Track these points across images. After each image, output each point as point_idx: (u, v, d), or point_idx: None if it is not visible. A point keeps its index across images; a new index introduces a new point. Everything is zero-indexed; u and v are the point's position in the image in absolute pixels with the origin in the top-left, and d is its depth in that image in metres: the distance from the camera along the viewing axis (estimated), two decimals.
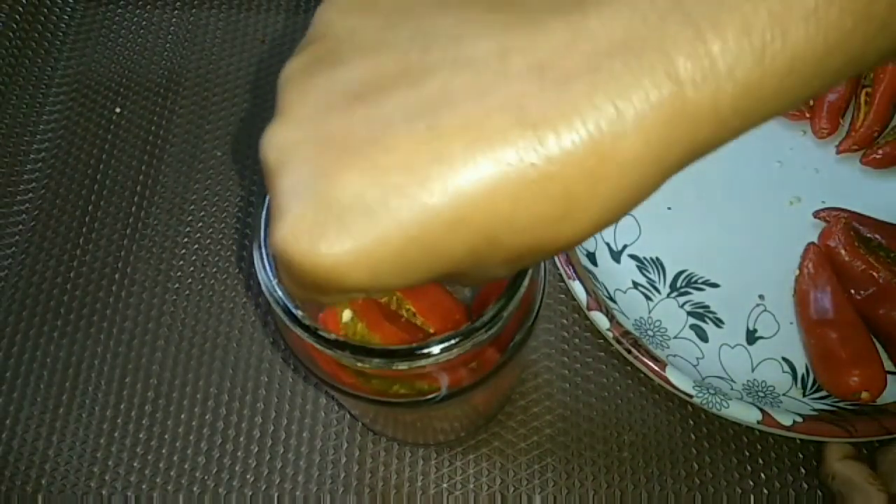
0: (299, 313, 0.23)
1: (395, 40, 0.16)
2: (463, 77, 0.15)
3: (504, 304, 0.23)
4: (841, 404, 0.38)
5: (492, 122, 0.14)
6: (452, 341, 0.22)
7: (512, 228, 0.15)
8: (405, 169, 0.15)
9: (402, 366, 0.22)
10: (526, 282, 0.23)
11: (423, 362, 0.22)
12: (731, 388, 0.38)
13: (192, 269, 0.44)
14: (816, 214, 0.42)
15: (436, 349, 0.22)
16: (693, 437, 0.39)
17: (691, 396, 0.36)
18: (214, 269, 0.44)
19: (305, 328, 0.23)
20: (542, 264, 0.27)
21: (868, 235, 0.41)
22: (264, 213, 0.24)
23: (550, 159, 0.14)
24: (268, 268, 0.24)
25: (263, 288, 0.23)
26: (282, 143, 0.16)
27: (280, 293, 0.23)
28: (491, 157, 0.14)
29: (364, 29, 0.17)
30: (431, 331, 0.29)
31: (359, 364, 0.23)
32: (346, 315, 0.29)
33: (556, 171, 0.14)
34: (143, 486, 0.39)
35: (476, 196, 0.15)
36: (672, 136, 0.14)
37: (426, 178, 0.15)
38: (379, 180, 0.15)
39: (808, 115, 0.45)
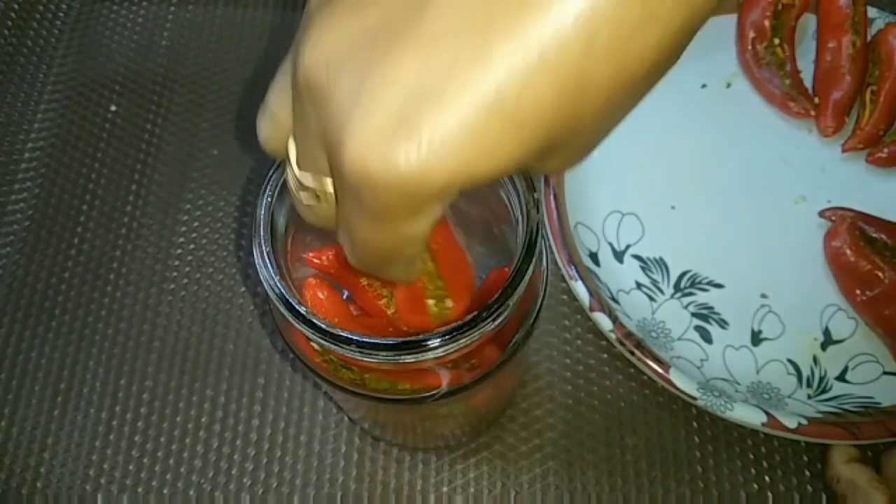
0: (303, 309, 0.22)
1: None
2: None
3: (510, 293, 0.23)
4: (847, 406, 0.37)
5: None
6: (458, 331, 0.22)
7: (594, 54, 0.14)
8: (462, 31, 0.14)
9: (409, 358, 0.22)
10: (530, 271, 0.23)
11: (430, 354, 0.22)
12: (736, 391, 0.38)
13: (187, 268, 0.44)
14: (822, 214, 0.42)
15: (441, 340, 0.22)
16: (697, 439, 0.38)
17: (695, 399, 0.36)
18: (210, 269, 0.43)
19: (308, 323, 0.22)
20: (546, 257, 0.27)
21: (874, 235, 0.40)
22: (263, 212, 0.24)
23: None
24: (269, 265, 0.23)
25: (265, 284, 0.23)
26: (322, 55, 0.15)
27: (282, 289, 0.23)
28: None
29: None
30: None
31: (365, 359, 0.22)
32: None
33: None
34: (139, 489, 0.38)
35: (546, 29, 0.13)
36: None
37: (487, 34, 0.14)
38: (436, 58, 0.14)
39: (813, 113, 0.44)
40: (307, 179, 0.18)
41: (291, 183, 0.19)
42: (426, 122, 0.14)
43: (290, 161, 0.19)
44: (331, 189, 0.18)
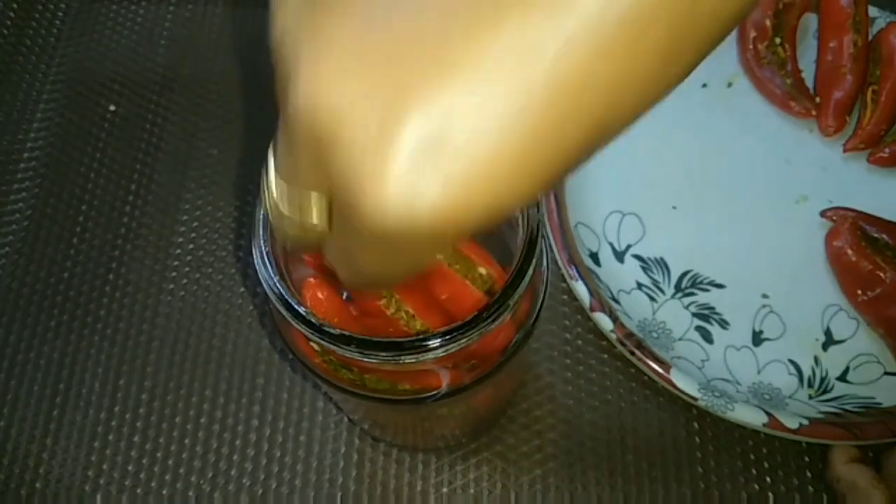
0: (302, 309, 0.22)
1: None
2: None
3: (510, 293, 0.22)
4: (848, 407, 0.37)
5: None
6: (458, 332, 0.22)
7: (620, 103, 0.14)
8: (481, 57, 0.13)
9: (409, 359, 0.22)
10: (531, 271, 0.23)
11: (430, 354, 0.22)
12: (737, 391, 0.37)
13: (187, 269, 0.43)
14: (823, 214, 0.42)
15: (441, 340, 0.22)
16: (698, 440, 0.38)
17: (696, 399, 0.36)
18: (210, 270, 0.43)
19: (307, 323, 0.22)
20: (546, 257, 0.27)
21: (875, 235, 0.40)
22: (261, 211, 0.24)
23: None
24: (268, 265, 0.23)
25: (264, 285, 0.23)
26: (329, 89, 0.14)
27: (282, 290, 0.22)
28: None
29: None
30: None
31: (365, 359, 0.22)
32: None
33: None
34: (138, 490, 0.38)
35: (580, 43, 0.13)
36: None
37: (507, 58, 0.13)
38: (459, 84, 0.13)
39: (814, 112, 0.44)
40: (293, 212, 0.17)
41: (271, 210, 0.18)
42: (451, 162, 0.13)
43: (270, 192, 0.18)
44: (318, 224, 0.17)
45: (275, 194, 0.17)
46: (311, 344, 0.25)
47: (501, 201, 0.14)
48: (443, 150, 0.13)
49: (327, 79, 0.14)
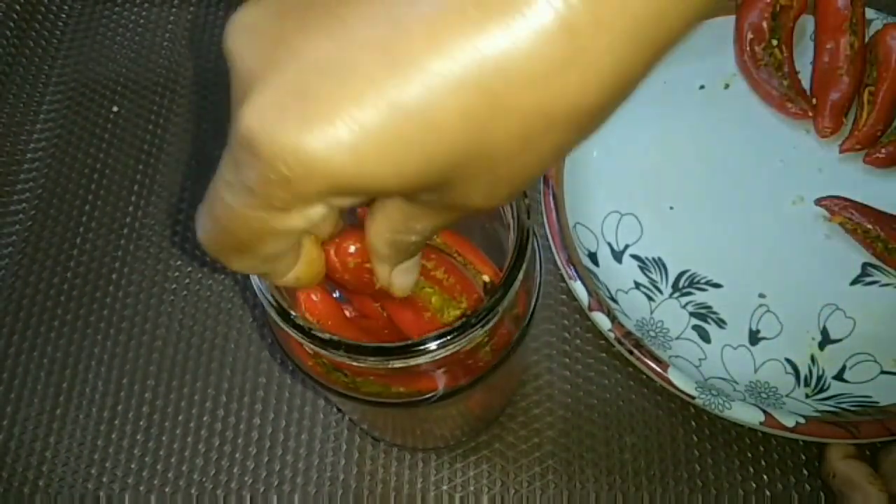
0: (292, 313, 0.22)
1: None
2: None
3: (499, 298, 0.23)
4: (844, 406, 0.37)
5: None
6: (447, 337, 0.22)
7: (508, 82, 0.13)
8: (381, 23, 0.13)
9: (398, 363, 0.22)
10: (520, 276, 0.23)
11: (418, 359, 0.22)
12: (734, 390, 0.38)
13: (189, 269, 0.44)
14: (818, 202, 0.42)
15: (431, 345, 0.22)
16: (695, 438, 0.38)
17: (693, 398, 0.36)
18: (212, 270, 0.44)
19: (299, 328, 0.22)
20: (538, 260, 0.27)
21: (868, 227, 0.41)
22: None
23: None
24: None
25: (255, 288, 0.23)
26: (241, 24, 0.15)
27: (272, 293, 0.23)
28: (481, 17, 0.13)
29: None
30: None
31: (354, 363, 0.22)
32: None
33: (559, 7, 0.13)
34: (141, 488, 0.38)
35: (466, 44, 0.13)
36: None
37: (404, 30, 0.13)
38: (350, 36, 0.13)
39: (811, 114, 0.45)
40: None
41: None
42: (325, 106, 0.13)
43: None
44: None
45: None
46: (304, 347, 0.25)
47: (368, 172, 0.14)
48: (323, 93, 0.13)
49: (246, 9, 0.15)
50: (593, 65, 0.13)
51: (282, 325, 0.22)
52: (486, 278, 0.27)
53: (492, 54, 0.13)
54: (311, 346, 0.22)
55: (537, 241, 0.26)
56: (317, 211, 0.16)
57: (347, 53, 0.13)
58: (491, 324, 0.22)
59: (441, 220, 0.18)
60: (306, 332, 0.22)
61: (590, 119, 0.15)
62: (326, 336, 0.22)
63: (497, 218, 0.26)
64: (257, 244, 0.18)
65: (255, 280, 0.23)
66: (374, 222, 0.20)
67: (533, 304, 0.27)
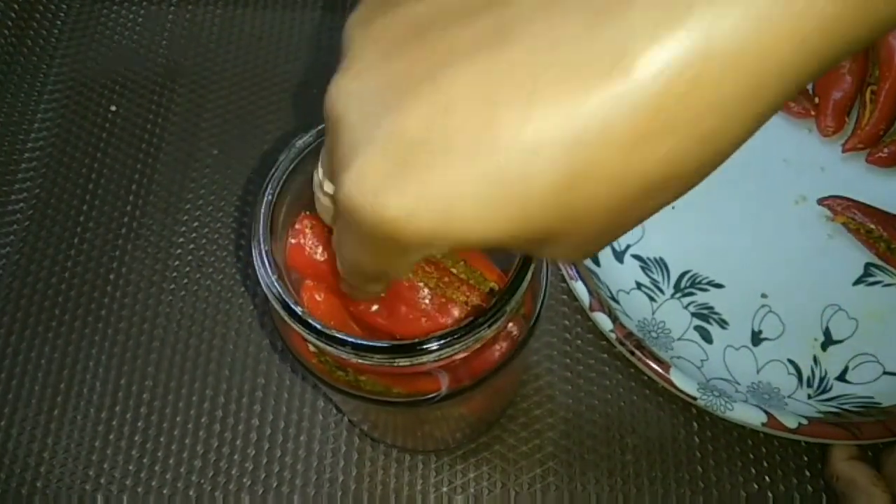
0: (299, 309, 0.22)
1: None
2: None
3: (506, 299, 0.22)
4: (847, 407, 0.37)
5: (579, 45, 0.13)
6: (453, 336, 0.22)
7: (608, 146, 0.13)
8: (478, 97, 0.13)
9: (404, 362, 0.22)
10: (528, 276, 0.23)
11: (424, 358, 0.22)
12: (736, 391, 0.38)
13: (187, 268, 0.44)
14: (821, 202, 0.42)
15: (436, 345, 0.22)
16: (697, 439, 0.38)
17: (695, 399, 0.36)
18: (210, 269, 0.43)
19: (304, 323, 0.22)
20: (544, 262, 0.27)
21: (871, 226, 0.40)
22: (262, 211, 0.24)
23: (641, 83, 0.13)
24: (267, 265, 0.23)
25: (262, 284, 0.23)
26: (345, 91, 0.15)
27: (279, 289, 0.23)
28: (577, 85, 0.13)
29: None
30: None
31: (360, 360, 0.22)
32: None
33: (649, 93, 0.13)
34: (139, 489, 0.38)
35: (567, 109, 0.13)
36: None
37: (500, 108, 0.13)
38: (448, 110, 0.14)
39: (813, 113, 0.44)
40: (327, 187, 0.19)
41: (316, 184, 0.20)
42: (422, 176, 0.14)
43: (319, 164, 0.19)
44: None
45: (321, 175, 0.19)
46: (308, 345, 0.25)
47: (462, 234, 0.15)
48: (421, 163, 0.14)
49: (354, 70, 0.16)
50: (684, 130, 0.13)
51: (288, 320, 0.22)
52: (493, 285, 0.27)
53: (593, 120, 0.13)
54: (317, 342, 0.22)
55: None
56: (420, 254, 0.17)
57: (446, 129, 0.14)
58: (498, 324, 0.22)
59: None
60: (312, 328, 0.22)
61: (686, 182, 0.15)
62: (333, 333, 0.22)
63: None
64: (380, 279, 0.20)
65: (261, 275, 0.23)
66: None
67: (539, 305, 0.27)
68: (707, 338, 0.40)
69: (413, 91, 0.14)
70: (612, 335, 0.37)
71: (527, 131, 0.13)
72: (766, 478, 0.37)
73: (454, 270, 0.27)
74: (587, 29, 0.13)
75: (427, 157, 0.14)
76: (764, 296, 0.41)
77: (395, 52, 0.15)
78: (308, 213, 0.26)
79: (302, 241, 0.25)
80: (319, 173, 0.19)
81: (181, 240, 0.44)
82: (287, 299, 0.23)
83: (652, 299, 0.41)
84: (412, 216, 0.14)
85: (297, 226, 0.26)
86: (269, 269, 0.23)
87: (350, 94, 0.15)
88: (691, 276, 0.41)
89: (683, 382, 0.36)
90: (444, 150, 0.14)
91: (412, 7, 0.15)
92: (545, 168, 0.13)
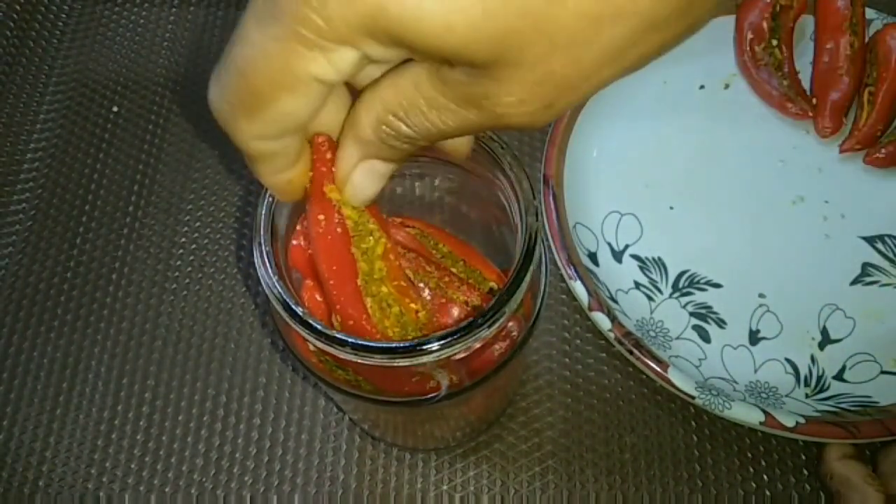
0: (300, 310, 0.22)
1: None
2: None
3: (505, 300, 0.23)
4: (844, 405, 0.37)
5: None
6: (453, 337, 0.22)
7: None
8: None
9: (404, 362, 0.22)
10: (527, 278, 0.23)
11: (424, 358, 0.22)
12: (734, 390, 0.38)
13: (189, 269, 0.44)
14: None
15: (437, 345, 0.22)
16: (695, 438, 0.38)
17: (693, 398, 0.36)
18: (212, 269, 0.44)
19: (305, 324, 0.22)
20: (544, 261, 0.27)
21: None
22: (263, 212, 0.24)
23: None
24: (268, 265, 0.23)
25: (263, 284, 0.23)
26: None
27: (280, 289, 0.23)
28: None
29: None
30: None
31: (360, 360, 0.22)
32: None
33: None
34: (141, 488, 0.38)
35: None
36: None
37: None
38: None
39: (811, 114, 0.45)
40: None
41: None
42: None
43: None
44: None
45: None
46: (308, 344, 0.25)
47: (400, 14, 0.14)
48: None
49: None
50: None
51: (289, 321, 0.22)
52: (492, 285, 0.27)
53: None
54: (317, 342, 0.22)
55: (543, 243, 0.26)
56: (345, 59, 0.15)
57: None
58: (497, 324, 0.22)
59: (452, 120, 0.17)
60: (313, 328, 0.22)
61: (659, 25, 0.14)
62: (333, 333, 0.22)
63: (504, 221, 0.26)
64: (274, 97, 0.17)
65: (262, 275, 0.23)
66: (374, 91, 0.18)
67: (539, 304, 0.27)
68: (705, 337, 0.40)
69: None
70: (611, 334, 0.38)
71: None
72: (764, 476, 0.37)
73: (454, 270, 0.27)
74: None
75: None
76: (762, 295, 0.41)
77: None
78: None
79: (303, 241, 0.26)
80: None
81: (183, 240, 0.45)
82: (288, 300, 0.23)
83: (650, 299, 0.41)
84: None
85: (298, 226, 0.26)
86: (270, 270, 0.23)
87: None
88: (689, 276, 0.41)
89: (682, 381, 0.36)
90: None
91: None
92: None
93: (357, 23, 0.14)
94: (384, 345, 0.22)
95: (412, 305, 0.25)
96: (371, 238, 0.24)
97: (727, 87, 0.47)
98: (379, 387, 0.26)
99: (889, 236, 0.42)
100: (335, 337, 0.22)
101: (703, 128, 0.45)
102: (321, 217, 0.23)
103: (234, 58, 0.17)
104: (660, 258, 0.42)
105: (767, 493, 0.37)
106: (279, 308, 0.23)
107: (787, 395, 0.38)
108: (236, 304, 0.43)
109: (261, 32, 0.16)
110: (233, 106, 0.17)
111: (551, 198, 0.41)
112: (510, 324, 0.26)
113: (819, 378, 0.39)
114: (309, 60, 0.15)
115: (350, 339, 0.22)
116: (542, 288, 0.27)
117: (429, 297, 0.27)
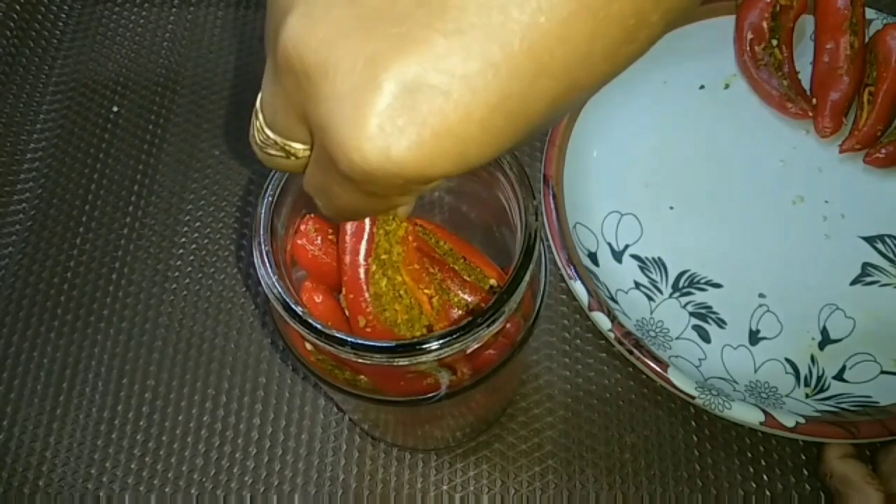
0: (299, 309, 0.22)
1: None
2: None
3: (505, 299, 0.23)
4: (844, 405, 0.37)
5: None
6: (453, 336, 0.22)
7: (590, 63, 0.14)
8: (467, 33, 0.14)
9: (403, 361, 0.22)
10: (527, 277, 0.23)
11: (423, 357, 0.22)
12: (734, 390, 0.38)
13: (189, 268, 0.44)
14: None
15: (436, 344, 0.22)
16: (695, 438, 0.38)
17: (693, 398, 0.36)
18: (212, 269, 0.44)
19: (304, 323, 0.22)
20: (544, 261, 0.27)
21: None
22: (263, 212, 0.24)
23: None
24: (267, 265, 0.23)
25: (263, 285, 0.23)
26: (319, 37, 0.15)
27: (280, 289, 0.23)
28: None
29: None
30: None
31: (360, 360, 0.22)
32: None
33: None
34: (141, 488, 0.38)
35: (552, 37, 0.14)
36: None
37: (492, 37, 0.14)
38: (443, 52, 0.14)
39: (811, 114, 0.45)
40: (277, 139, 0.19)
41: (257, 138, 0.19)
42: (430, 121, 0.14)
43: (257, 118, 0.19)
44: (300, 152, 0.18)
45: (261, 123, 0.19)
46: (307, 344, 0.25)
47: (469, 153, 0.15)
48: (419, 101, 0.14)
49: (316, 23, 0.15)
50: (656, 19, 0.14)
51: (288, 320, 0.22)
52: (492, 282, 0.27)
53: (571, 53, 0.14)
54: (317, 342, 0.22)
55: (543, 243, 0.26)
56: (413, 196, 0.17)
57: (438, 66, 0.14)
58: (497, 323, 0.22)
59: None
60: (312, 328, 0.22)
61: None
62: (333, 332, 0.22)
63: (504, 220, 0.26)
64: (380, 213, 0.20)
65: (261, 274, 0.23)
66: None
67: (538, 304, 0.27)
68: (705, 337, 0.40)
69: (400, 40, 0.14)
70: (611, 334, 0.38)
71: (528, 52, 0.14)
72: (764, 476, 0.37)
73: (456, 268, 0.27)
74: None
75: (431, 101, 0.14)
76: (762, 295, 0.41)
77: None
78: (312, 214, 0.26)
79: (306, 241, 0.26)
80: (263, 129, 0.19)
81: (183, 240, 0.45)
82: (287, 299, 0.23)
83: (650, 299, 0.41)
84: (427, 156, 0.15)
85: (301, 227, 0.26)
86: (269, 269, 0.23)
87: (326, 42, 0.15)
88: (689, 276, 0.41)
89: (682, 381, 0.36)
90: (447, 90, 0.14)
91: None
92: (549, 81, 0.15)
93: (404, 184, 0.16)
94: (384, 344, 0.22)
95: (425, 291, 0.25)
96: (395, 221, 0.25)
97: (727, 87, 0.47)
98: (378, 387, 0.26)
99: (889, 236, 0.42)
100: (334, 336, 0.22)
101: (703, 128, 0.45)
102: None
103: (337, 206, 0.19)
104: (660, 258, 0.42)
105: (767, 493, 0.37)
106: (278, 307, 0.23)
107: (787, 395, 0.38)
108: (236, 304, 0.43)
109: (356, 198, 0.18)
110: (348, 218, 0.21)
111: (551, 198, 0.41)
112: (509, 323, 0.26)
113: (819, 378, 0.39)
114: (388, 203, 0.18)
115: (350, 339, 0.22)
116: (542, 287, 0.27)
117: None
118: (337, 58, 0.15)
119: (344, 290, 0.25)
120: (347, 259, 0.25)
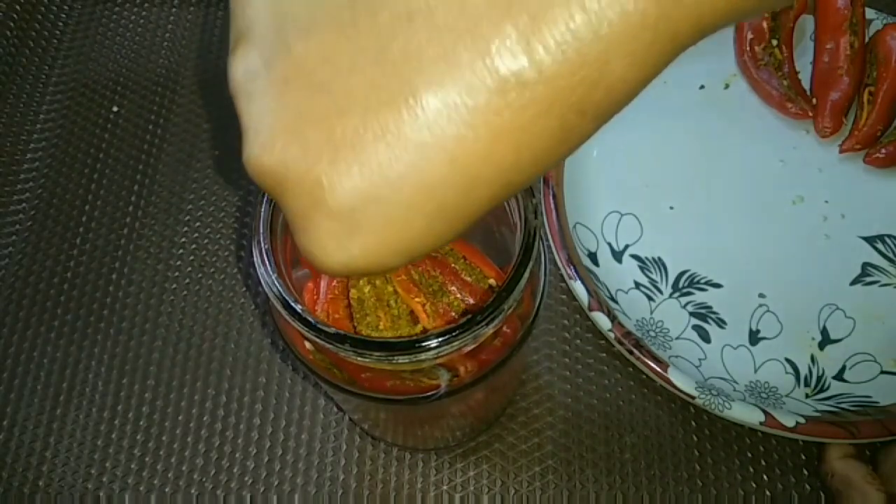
0: (299, 307, 0.22)
1: (334, 11, 0.15)
2: (423, 33, 0.14)
3: (504, 297, 0.23)
4: (844, 405, 0.37)
5: (468, 64, 0.14)
6: (452, 334, 0.22)
7: (519, 170, 0.15)
8: (398, 146, 0.15)
9: (403, 359, 0.22)
10: (526, 275, 0.23)
11: (423, 355, 0.22)
12: (734, 390, 0.38)
13: (189, 268, 0.44)
14: None
15: (435, 342, 0.22)
16: (695, 438, 0.38)
17: (693, 398, 0.36)
18: (212, 269, 0.44)
19: (305, 322, 0.22)
20: (543, 260, 0.27)
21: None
22: (263, 211, 0.24)
23: (541, 77, 0.14)
24: (267, 264, 0.23)
25: (262, 283, 0.23)
26: (274, 159, 0.16)
27: (280, 288, 0.23)
28: (480, 103, 0.14)
29: (294, 6, 0.16)
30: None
31: (359, 358, 0.22)
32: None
33: (547, 89, 0.14)
34: (141, 488, 0.38)
35: (480, 151, 0.14)
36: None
37: (421, 151, 0.14)
38: (375, 167, 0.15)
39: (811, 114, 0.45)
40: None
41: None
42: (374, 230, 0.16)
43: None
44: None
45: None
46: (307, 343, 0.25)
47: (416, 249, 0.16)
48: (363, 218, 0.15)
49: (268, 144, 0.16)
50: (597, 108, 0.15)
51: (288, 318, 0.22)
52: (491, 282, 0.27)
53: (499, 164, 0.15)
54: (316, 339, 0.22)
55: (542, 242, 0.26)
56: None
57: (378, 180, 0.15)
58: (496, 322, 0.22)
59: None
60: (312, 326, 0.22)
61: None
62: (332, 330, 0.22)
63: (504, 220, 0.26)
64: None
65: (262, 273, 0.23)
66: None
67: (538, 303, 0.27)
68: (705, 337, 0.40)
69: (340, 160, 0.15)
70: (611, 334, 0.38)
71: (462, 165, 0.15)
72: (764, 476, 0.37)
73: (455, 267, 0.27)
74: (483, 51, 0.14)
75: (371, 215, 0.15)
76: (762, 295, 0.41)
77: (303, 117, 0.16)
78: None
79: None
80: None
81: (183, 240, 0.45)
82: (287, 297, 0.23)
83: (650, 299, 0.41)
84: (375, 260, 0.16)
85: None
86: (269, 268, 0.23)
87: (278, 170, 0.16)
88: (689, 276, 0.41)
89: (682, 381, 0.36)
90: (385, 203, 0.15)
91: (303, 60, 0.16)
92: (485, 188, 0.16)
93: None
94: (383, 341, 0.22)
95: (416, 300, 0.25)
96: None
97: (727, 87, 0.47)
98: (374, 388, 0.26)
99: (889, 236, 0.42)
100: (335, 334, 0.22)
101: (703, 128, 0.45)
102: None
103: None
104: (660, 258, 0.42)
105: (767, 493, 0.37)
106: (278, 306, 0.23)
107: (787, 395, 0.38)
108: (237, 303, 0.43)
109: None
110: None
111: (551, 198, 0.41)
112: (509, 323, 0.26)
113: (819, 378, 0.39)
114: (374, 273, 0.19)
115: (349, 336, 0.22)
116: (542, 287, 0.27)
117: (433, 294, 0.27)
118: (289, 181, 0.16)
119: (323, 285, 0.25)
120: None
